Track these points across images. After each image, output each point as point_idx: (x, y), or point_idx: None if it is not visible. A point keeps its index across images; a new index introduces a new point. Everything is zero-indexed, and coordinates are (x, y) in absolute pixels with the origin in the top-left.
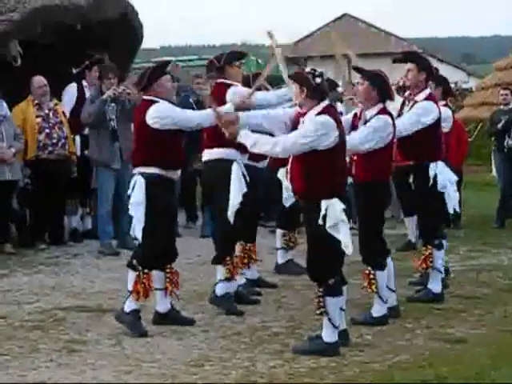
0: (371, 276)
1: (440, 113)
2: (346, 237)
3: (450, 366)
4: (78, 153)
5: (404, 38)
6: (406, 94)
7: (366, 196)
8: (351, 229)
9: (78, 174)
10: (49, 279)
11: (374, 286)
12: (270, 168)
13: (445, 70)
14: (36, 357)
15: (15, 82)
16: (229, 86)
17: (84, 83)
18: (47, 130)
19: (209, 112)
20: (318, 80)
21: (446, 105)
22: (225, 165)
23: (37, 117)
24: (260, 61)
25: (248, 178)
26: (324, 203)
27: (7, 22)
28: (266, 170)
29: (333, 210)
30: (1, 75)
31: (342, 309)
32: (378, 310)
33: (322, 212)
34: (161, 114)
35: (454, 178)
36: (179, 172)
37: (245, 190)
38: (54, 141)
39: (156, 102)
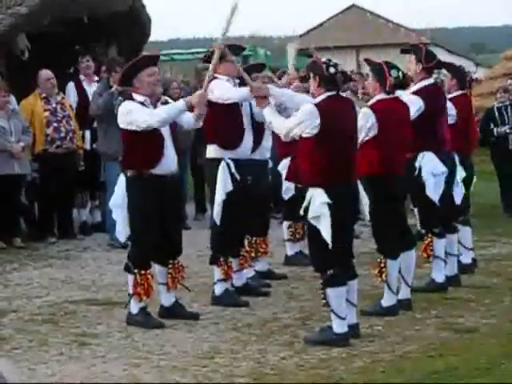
0: (382, 265)
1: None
2: (326, 230)
3: (460, 356)
4: (88, 147)
5: (413, 28)
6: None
7: (370, 190)
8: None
9: (87, 168)
10: (59, 273)
11: (384, 275)
12: (275, 160)
13: (453, 61)
14: (46, 350)
15: (23, 76)
16: (214, 79)
17: (82, 77)
18: (55, 124)
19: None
20: (332, 70)
21: (456, 97)
22: (212, 164)
23: (45, 110)
24: (269, 53)
25: (238, 176)
26: (309, 192)
27: (15, 15)
28: (272, 162)
29: (314, 202)
30: (9, 69)
31: (351, 303)
32: (387, 299)
33: (305, 203)
34: (119, 115)
35: (442, 170)
36: (168, 166)
37: (230, 188)
38: (62, 134)
39: (130, 99)
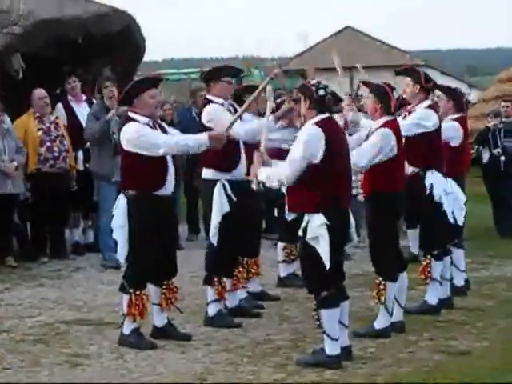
0: (381, 287)
1: (440, 122)
2: (324, 251)
3: (453, 379)
4: (81, 167)
5: (407, 50)
6: (409, 107)
7: (374, 206)
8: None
9: (80, 188)
10: (51, 293)
11: (382, 298)
12: None
13: (447, 83)
14: (38, 370)
15: (17, 95)
16: (209, 102)
17: (69, 98)
18: (48, 144)
19: (175, 142)
20: (321, 92)
21: (459, 118)
22: (208, 185)
23: (38, 130)
24: (263, 73)
25: (234, 198)
26: (307, 216)
27: (10, 35)
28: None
29: (313, 223)
30: (3, 88)
31: (343, 324)
32: (381, 322)
33: (303, 224)
34: (128, 136)
35: (450, 190)
36: (170, 188)
37: (226, 210)
38: (56, 154)
39: (132, 120)
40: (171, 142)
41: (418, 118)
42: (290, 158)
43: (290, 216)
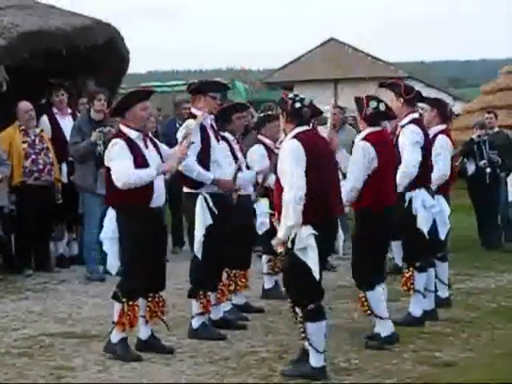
0: (363, 299)
1: (424, 138)
2: (313, 262)
3: None
4: (65, 180)
5: (391, 62)
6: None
7: (357, 219)
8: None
9: (64, 200)
10: (36, 305)
11: (366, 306)
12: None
13: (431, 95)
14: (23, 383)
15: (2, 108)
16: (194, 116)
17: (55, 110)
18: (33, 156)
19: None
20: (297, 105)
21: (445, 130)
22: (190, 198)
23: (23, 142)
24: (247, 86)
25: (216, 211)
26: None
27: None
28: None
29: (300, 234)
30: None
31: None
32: (384, 328)
33: (292, 235)
34: (109, 155)
35: (433, 203)
36: (159, 201)
37: (209, 222)
38: (40, 167)
39: (121, 135)
40: (130, 174)
41: (410, 141)
42: (286, 182)
43: (260, 230)
